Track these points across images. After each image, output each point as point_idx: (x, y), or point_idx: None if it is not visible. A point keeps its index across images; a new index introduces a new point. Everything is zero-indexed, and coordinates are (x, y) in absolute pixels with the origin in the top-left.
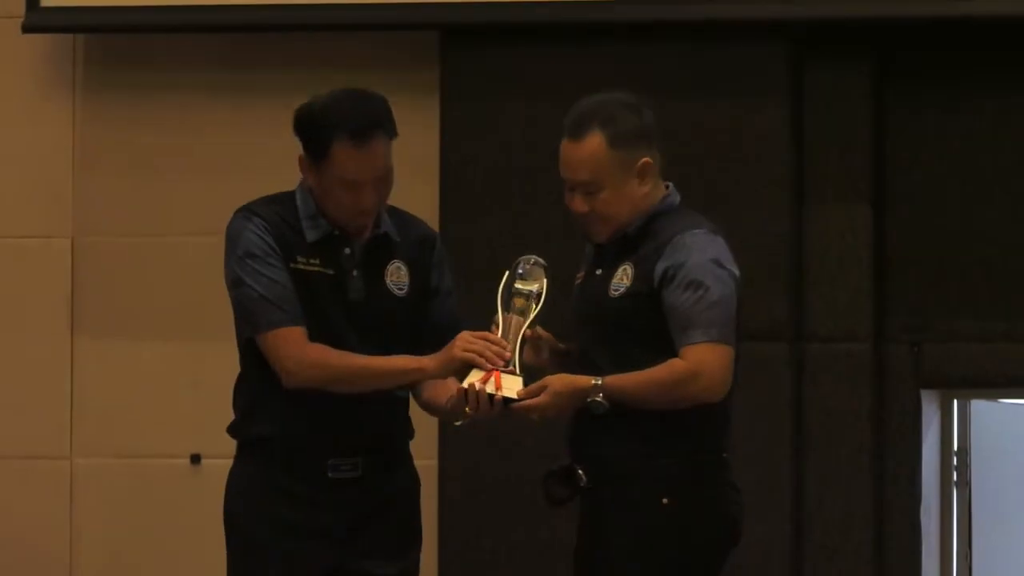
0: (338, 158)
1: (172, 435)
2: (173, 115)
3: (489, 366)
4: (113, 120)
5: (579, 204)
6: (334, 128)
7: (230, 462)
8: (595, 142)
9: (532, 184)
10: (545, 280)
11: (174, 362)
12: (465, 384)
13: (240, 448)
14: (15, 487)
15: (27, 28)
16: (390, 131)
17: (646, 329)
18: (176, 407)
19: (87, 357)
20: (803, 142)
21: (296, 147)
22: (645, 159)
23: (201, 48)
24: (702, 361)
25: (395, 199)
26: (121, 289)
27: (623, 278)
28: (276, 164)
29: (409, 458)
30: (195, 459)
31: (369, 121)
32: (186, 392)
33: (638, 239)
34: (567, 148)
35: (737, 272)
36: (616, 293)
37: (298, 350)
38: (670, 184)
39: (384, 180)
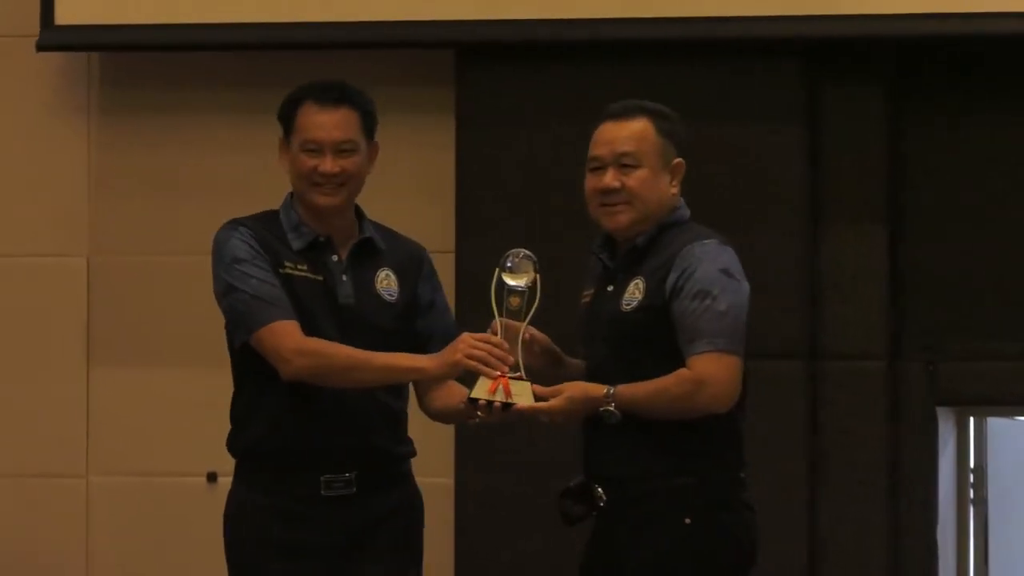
0: (302, 122)
1: (188, 453)
2: (188, 133)
3: (496, 373)
4: (128, 138)
5: (611, 178)
6: (303, 95)
7: None
8: (643, 123)
9: (547, 202)
10: (535, 273)
11: (190, 380)
12: (474, 395)
13: (237, 465)
14: (32, 505)
15: (41, 47)
16: (361, 108)
17: (660, 342)
18: (192, 425)
19: (103, 375)
20: (818, 161)
21: None
22: (679, 159)
23: (216, 67)
24: (707, 371)
25: (410, 215)
26: (137, 307)
27: (635, 292)
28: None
29: (409, 476)
30: (211, 477)
31: (337, 90)
32: (202, 410)
33: (647, 251)
34: (609, 127)
35: (747, 284)
36: (629, 307)
37: (295, 340)
38: (681, 199)
39: (348, 156)
